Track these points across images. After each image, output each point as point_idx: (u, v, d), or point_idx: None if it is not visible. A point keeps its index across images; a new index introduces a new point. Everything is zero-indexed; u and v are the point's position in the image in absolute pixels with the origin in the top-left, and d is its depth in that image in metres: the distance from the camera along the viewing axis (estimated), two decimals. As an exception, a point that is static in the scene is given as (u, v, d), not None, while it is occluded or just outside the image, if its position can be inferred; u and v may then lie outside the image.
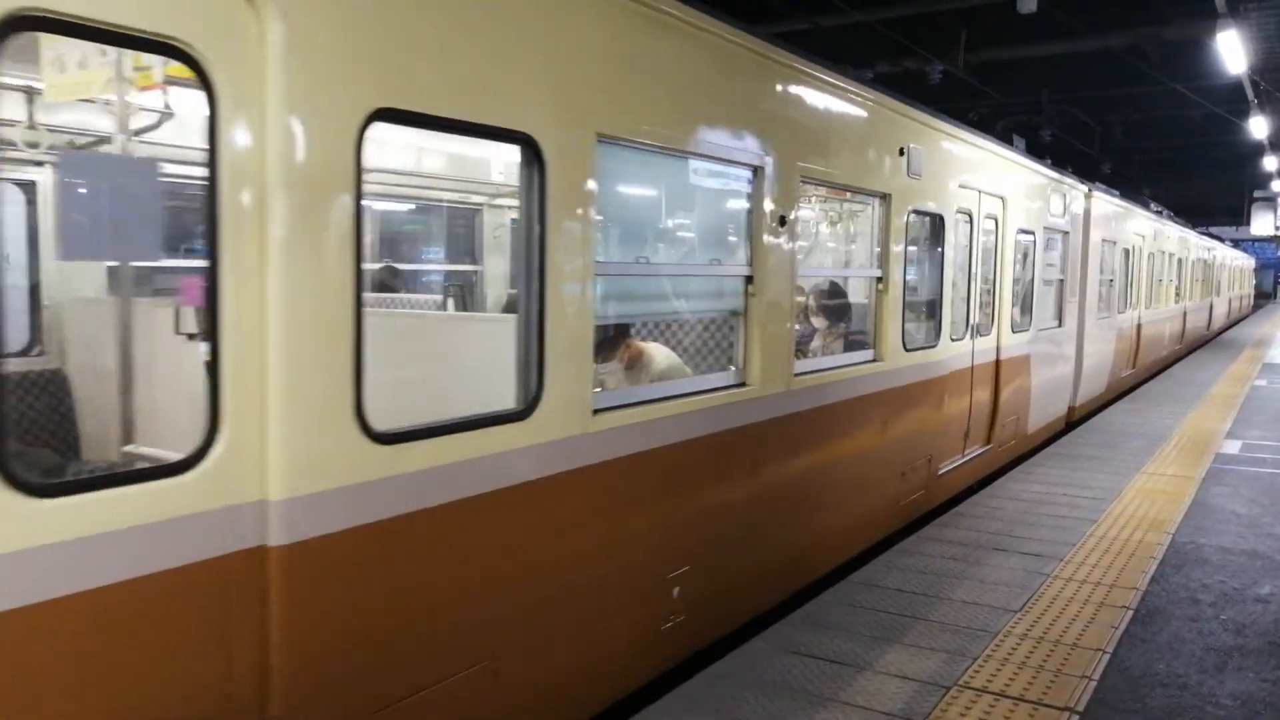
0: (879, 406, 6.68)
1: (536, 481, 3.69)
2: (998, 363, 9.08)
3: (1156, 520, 7.28)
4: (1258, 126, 17.87)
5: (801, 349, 6.79)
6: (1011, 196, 9.21)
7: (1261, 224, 30.86)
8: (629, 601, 4.34)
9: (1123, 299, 15.05)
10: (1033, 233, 9.95)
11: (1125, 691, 4.38)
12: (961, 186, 7.98)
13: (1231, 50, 11.75)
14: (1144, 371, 17.29)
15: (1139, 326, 16.49)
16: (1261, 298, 58.16)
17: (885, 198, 6.67)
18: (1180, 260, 21.25)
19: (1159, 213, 19.27)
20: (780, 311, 5.35)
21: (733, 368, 5.25)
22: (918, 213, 7.20)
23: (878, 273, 6.82)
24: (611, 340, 5.06)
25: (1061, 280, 11.26)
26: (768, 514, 5.42)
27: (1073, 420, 12.30)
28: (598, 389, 4.44)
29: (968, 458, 8.52)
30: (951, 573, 5.99)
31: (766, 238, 5.15)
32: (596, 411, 4.02)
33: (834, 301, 7.32)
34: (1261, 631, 5.16)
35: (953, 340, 8.00)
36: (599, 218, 4.03)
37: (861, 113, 6.35)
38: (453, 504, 3.32)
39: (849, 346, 6.96)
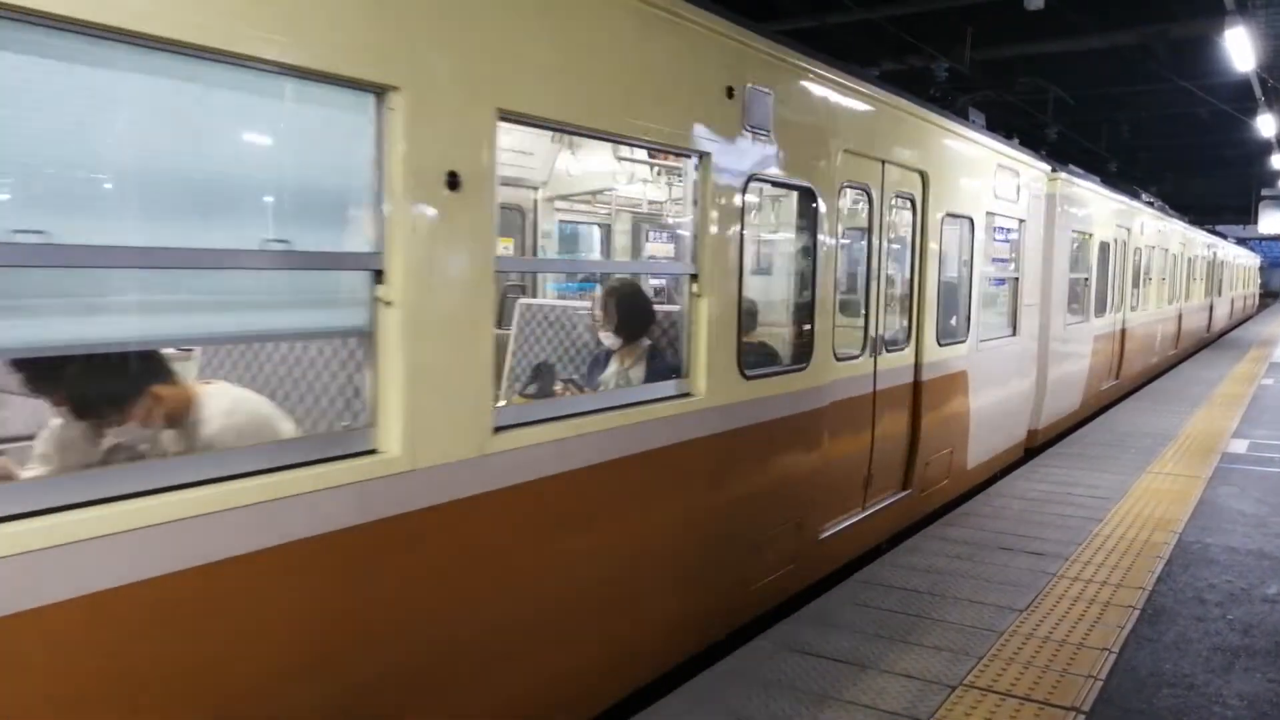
0: (695, 462, 4.65)
1: None
2: (917, 384, 7.20)
3: (1163, 520, 7.24)
4: (1266, 124, 17.83)
5: (573, 382, 5.22)
6: (936, 172, 7.25)
7: (1269, 222, 30.75)
8: None
9: (1102, 300, 13.35)
10: (970, 219, 8.07)
11: (1131, 692, 4.35)
12: (851, 153, 5.98)
13: (1240, 48, 11.70)
14: (1130, 382, 15.76)
15: (1123, 331, 14.85)
16: (1268, 296, 57.98)
17: (702, 158, 4.60)
18: (1175, 257, 19.64)
19: (1150, 204, 17.69)
20: (455, 328, 3.30)
21: (345, 424, 3.36)
22: (764, 182, 5.28)
23: (690, 268, 4.64)
24: (117, 384, 3.09)
25: (1016, 279, 9.52)
26: (437, 669, 3.36)
27: (1035, 446, 10.49)
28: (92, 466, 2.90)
29: (871, 511, 6.62)
30: (956, 571, 5.96)
31: (415, 209, 3.10)
32: None
33: (637, 308, 5.13)
34: (1269, 631, 5.13)
35: (839, 360, 6.03)
36: None
37: (641, 25, 4.20)
38: None
39: (665, 373, 4.76)
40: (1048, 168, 10.51)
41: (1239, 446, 10.33)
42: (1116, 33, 14.43)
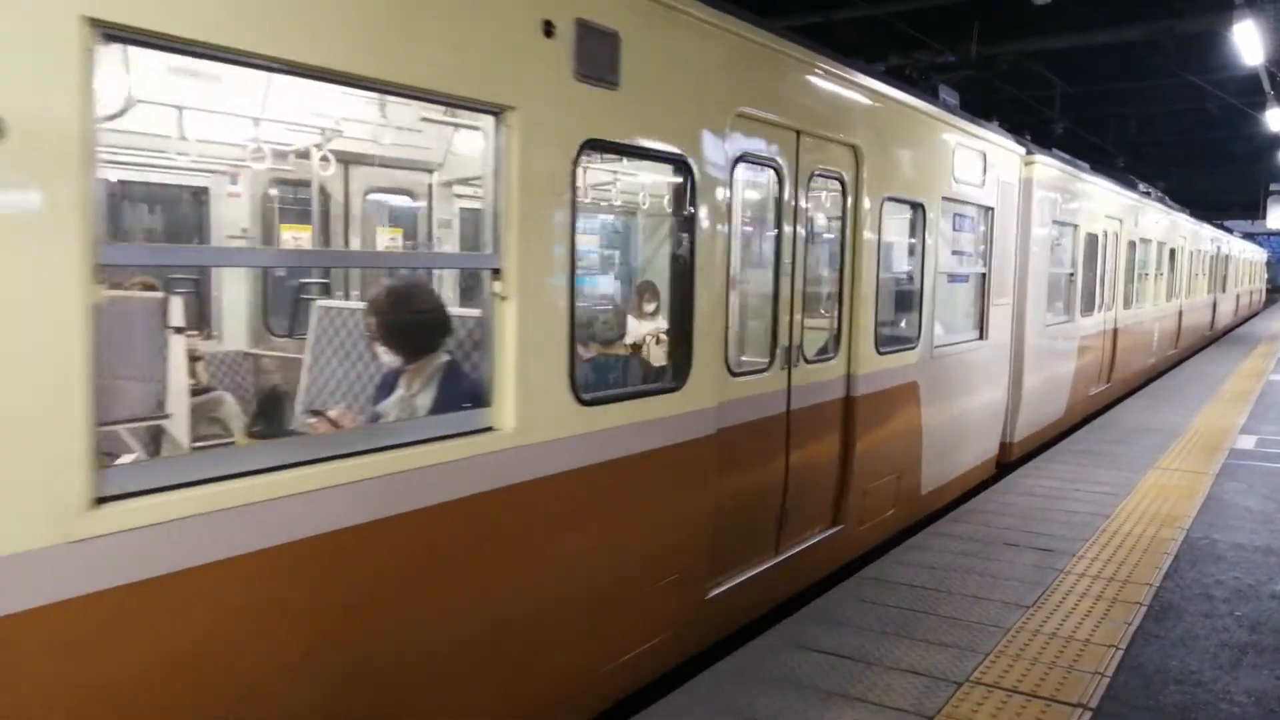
0: (501, 518, 3.55)
1: None
2: (849, 400, 6.13)
3: (1170, 516, 7.22)
4: (1274, 119, 17.76)
5: (322, 415, 4.07)
6: (873, 147, 6.13)
7: (1278, 217, 30.68)
8: None
9: (1090, 298, 12.29)
10: (921, 205, 6.96)
11: (1138, 688, 4.34)
12: (749, 119, 4.90)
13: (1248, 42, 11.66)
14: (1123, 385, 14.68)
15: (1114, 331, 13.77)
16: (1276, 292, 57.72)
17: (504, 115, 3.47)
18: (1175, 251, 18.37)
19: (1148, 194, 16.46)
20: (40, 351, 2.29)
21: None
22: (609, 150, 4.27)
23: (489, 261, 3.56)
24: None
25: (984, 275, 8.41)
26: None
27: (1009, 461, 9.43)
28: None
29: (787, 555, 5.58)
30: (962, 568, 5.95)
31: None
32: None
33: (415, 314, 4.11)
34: (1276, 628, 5.10)
35: (735, 375, 5.01)
36: None
37: None
38: None
39: (468, 400, 3.71)
40: (1022, 150, 9.29)
41: (1246, 443, 10.28)
42: (1123, 28, 14.41)
